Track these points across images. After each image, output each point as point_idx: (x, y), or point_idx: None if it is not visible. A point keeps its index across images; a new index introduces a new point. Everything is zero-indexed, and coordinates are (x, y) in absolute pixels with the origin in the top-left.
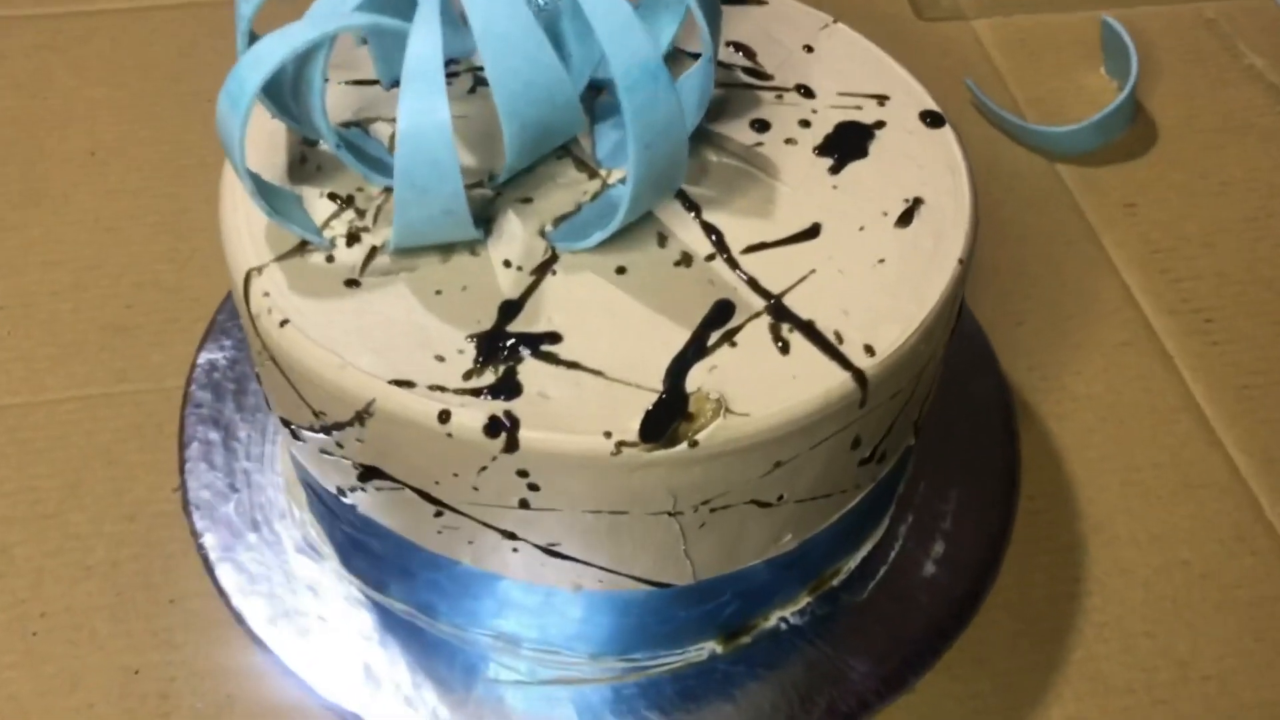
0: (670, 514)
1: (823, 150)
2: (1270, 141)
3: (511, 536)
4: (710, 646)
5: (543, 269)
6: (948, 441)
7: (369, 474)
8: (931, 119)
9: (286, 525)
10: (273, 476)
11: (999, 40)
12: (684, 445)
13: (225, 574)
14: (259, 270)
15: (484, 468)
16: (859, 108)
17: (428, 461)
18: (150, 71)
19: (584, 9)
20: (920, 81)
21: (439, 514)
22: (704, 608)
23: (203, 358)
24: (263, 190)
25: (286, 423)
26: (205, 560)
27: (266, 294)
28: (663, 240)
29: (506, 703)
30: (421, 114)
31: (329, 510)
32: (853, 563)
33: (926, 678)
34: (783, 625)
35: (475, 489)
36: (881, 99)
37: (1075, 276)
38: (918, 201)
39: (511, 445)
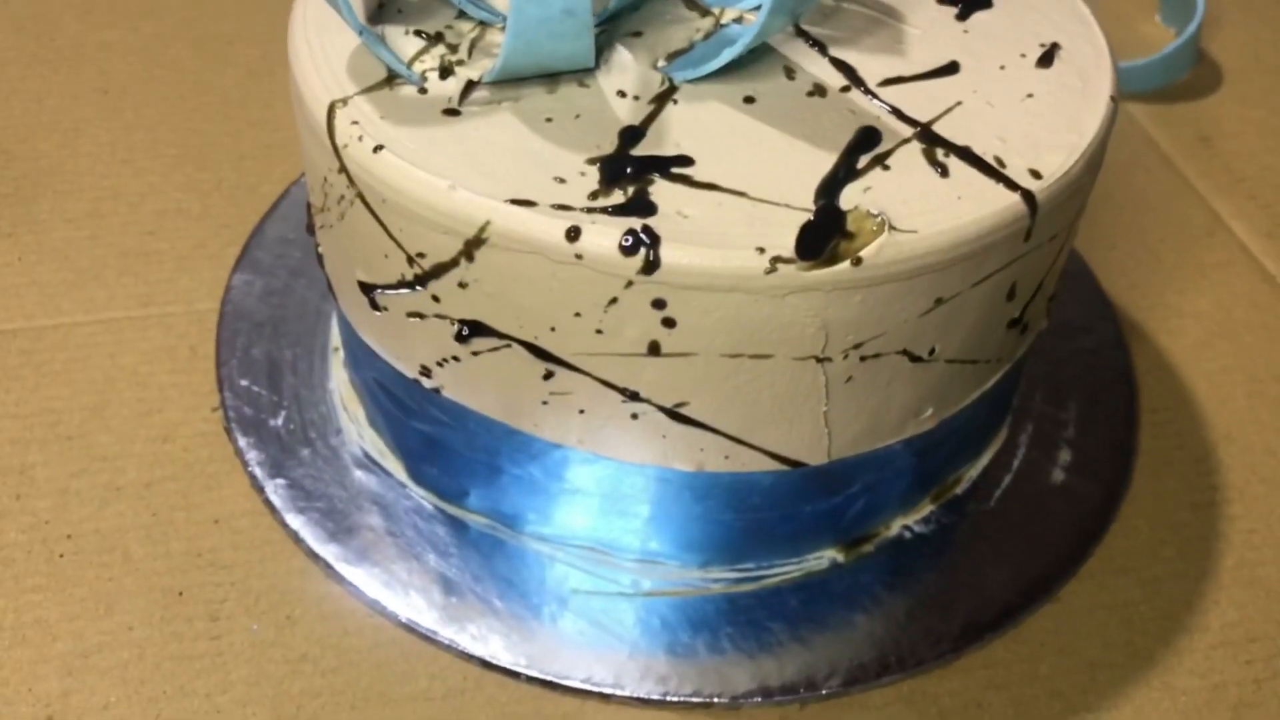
0: (818, 359)
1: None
2: None
3: (634, 398)
4: (830, 555)
5: (662, 99)
6: (1059, 354)
7: (470, 331)
8: None
9: (343, 440)
10: (323, 393)
11: None
12: (846, 264)
13: (276, 491)
14: (343, 102)
15: (614, 300)
16: None
17: (545, 301)
18: (162, 16)
19: None
20: None
21: (549, 375)
22: (831, 501)
23: (238, 279)
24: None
25: (368, 288)
26: (253, 478)
27: (355, 122)
28: (790, 74)
29: (604, 619)
30: None
31: (401, 410)
32: (974, 471)
33: (1070, 586)
34: (907, 534)
35: (599, 332)
36: None
37: (1162, 204)
38: (1055, 46)
39: (652, 265)
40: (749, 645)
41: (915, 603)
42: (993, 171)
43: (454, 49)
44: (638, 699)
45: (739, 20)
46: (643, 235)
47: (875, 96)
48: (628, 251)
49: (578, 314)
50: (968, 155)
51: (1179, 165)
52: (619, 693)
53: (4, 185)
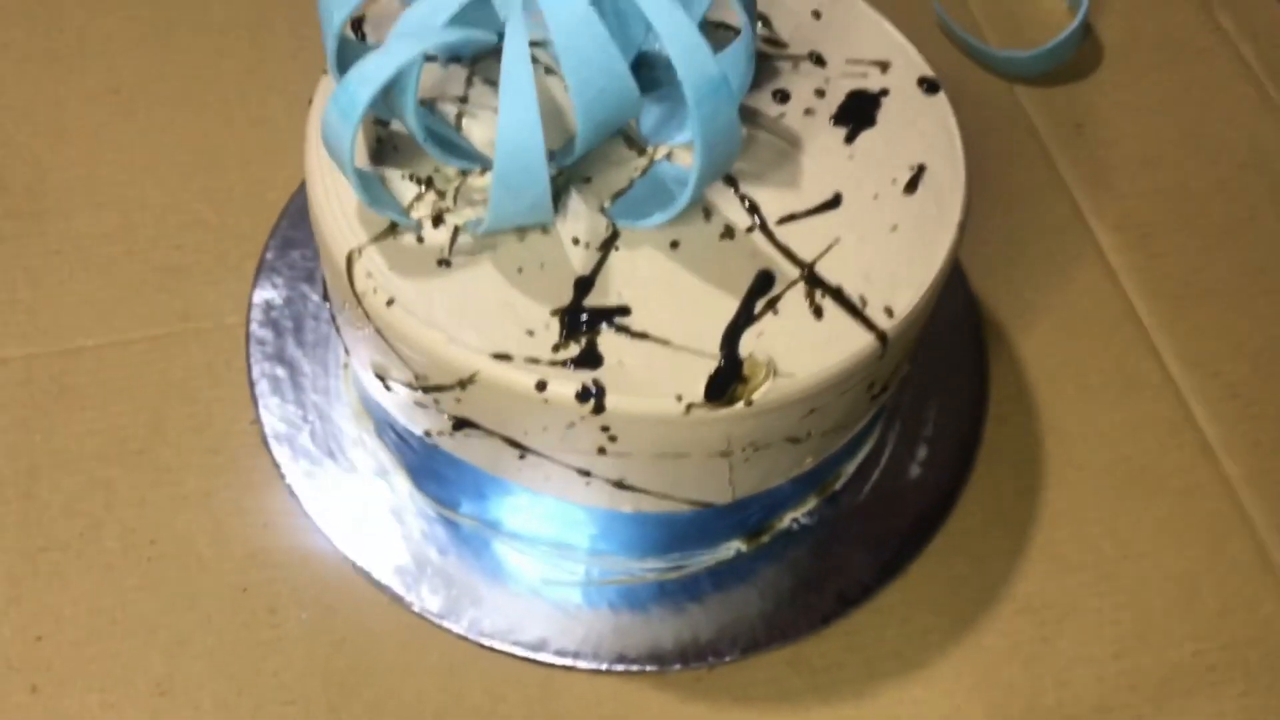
0: (723, 454)
1: (838, 120)
2: (1204, 59)
3: (586, 474)
4: (737, 545)
5: (607, 245)
6: (928, 355)
7: (462, 424)
8: (929, 86)
9: (360, 453)
10: (340, 407)
11: None
12: (741, 404)
13: (310, 499)
14: (359, 252)
15: (571, 424)
16: (865, 75)
17: (520, 418)
18: (157, 2)
19: (657, 30)
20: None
21: (523, 456)
22: (736, 518)
23: (258, 296)
24: (363, 182)
25: (381, 376)
26: (290, 489)
27: (369, 275)
28: (708, 214)
29: (568, 602)
30: (519, 128)
31: (405, 443)
32: (852, 467)
33: (916, 564)
34: (794, 525)
35: (561, 439)
36: (884, 65)
37: (1031, 196)
38: (921, 168)
39: (599, 409)
40: (673, 621)
41: (798, 583)
42: (856, 313)
43: (442, 195)
44: (591, 670)
45: (669, 156)
46: (592, 387)
47: (772, 237)
48: (581, 399)
49: (545, 428)
50: (839, 296)
51: (1053, 155)
52: (578, 664)
53: (46, 199)
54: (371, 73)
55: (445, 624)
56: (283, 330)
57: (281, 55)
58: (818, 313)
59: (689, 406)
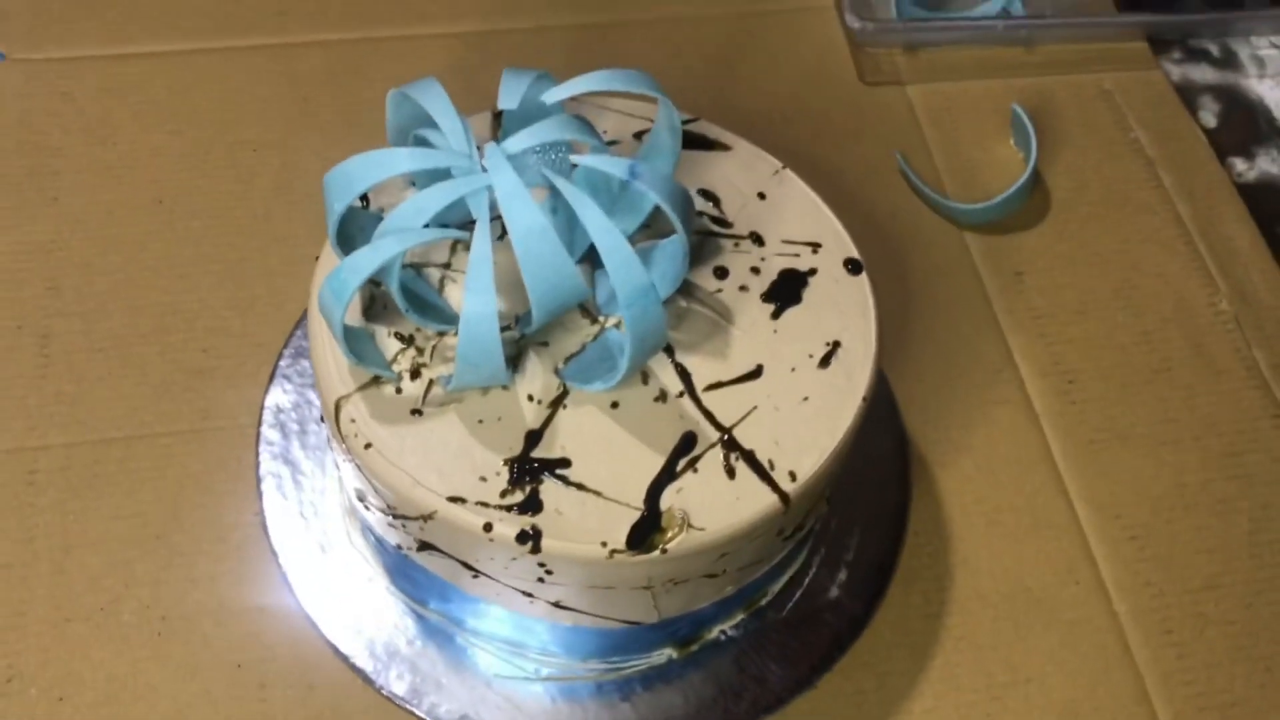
0: (645, 588)
1: (767, 296)
2: (1142, 214)
3: (529, 595)
4: (669, 653)
5: (556, 403)
6: (857, 487)
7: (425, 546)
8: (853, 266)
9: (347, 549)
10: (333, 506)
11: (927, 107)
12: (657, 552)
13: (301, 587)
14: (346, 399)
15: (514, 558)
16: (797, 255)
17: (471, 549)
18: (199, 118)
19: (597, 245)
20: (841, 228)
21: (475, 576)
22: (667, 631)
23: (269, 400)
24: (351, 340)
25: (360, 499)
26: (284, 576)
27: (353, 420)
28: (645, 379)
29: (516, 693)
30: (479, 320)
31: (383, 548)
32: (777, 586)
33: (827, 678)
34: (722, 636)
35: (505, 568)
36: (815, 246)
37: (969, 338)
38: (836, 345)
39: (536, 549)
40: (607, 716)
41: (719, 690)
42: (764, 474)
43: (421, 351)
44: None
45: (618, 325)
46: (530, 532)
47: (699, 403)
48: (520, 540)
49: (492, 558)
50: (751, 459)
51: (992, 300)
52: None
53: (91, 300)
54: (360, 265)
55: (409, 706)
56: (288, 433)
57: (308, 175)
58: (730, 473)
59: (612, 552)
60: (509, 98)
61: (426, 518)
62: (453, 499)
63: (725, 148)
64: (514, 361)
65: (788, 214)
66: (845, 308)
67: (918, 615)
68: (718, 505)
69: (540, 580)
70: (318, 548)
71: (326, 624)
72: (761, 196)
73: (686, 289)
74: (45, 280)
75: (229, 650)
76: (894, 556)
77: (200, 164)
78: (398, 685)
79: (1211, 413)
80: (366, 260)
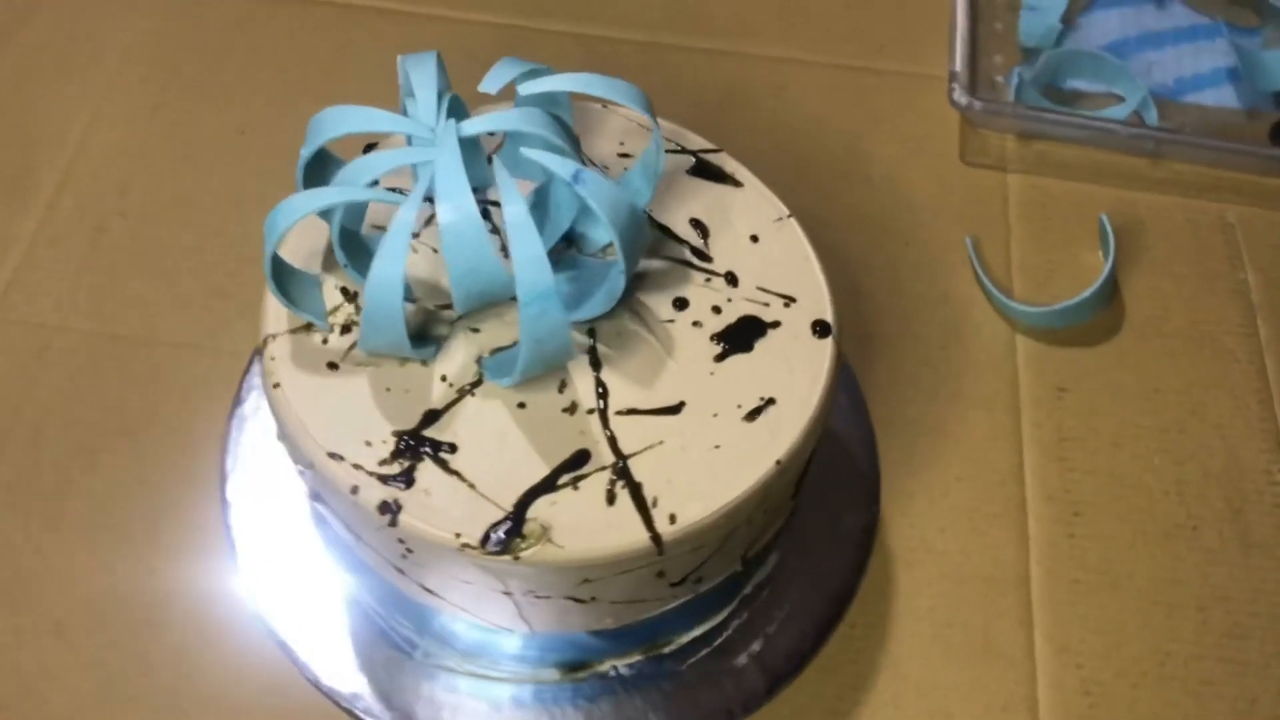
0: (504, 593)
1: (718, 338)
2: (1223, 360)
3: (400, 570)
4: (553, 674)
5: (465, 390)
6: (804, 558)
7: (316, 496)
8: (821, 329)
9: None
10: None
11: (1023, 199)
12: (508, 557)
13: (237, 524)
14: (275, 337)
15: (378, 528)
16: (767, 305)
17: (345, 510)
18: (307, 66)
19: (509, 239)
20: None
21: (357, 539)
22: (546, 651)
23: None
24: (285, 277)
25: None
26: (225, 505)
27: (273, 358)
28: (562, 386)
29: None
30: (384, 279)
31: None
32: (687, 637)
33: None
34: (612, 672)
35: (374, 537)
36: (789, 300)
37: (983, 443)
38: (770, 402)
39: (393, 523)
40: None
41: None
42: (643, 510)
43: (359, 310)
44: None
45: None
46: (392, 505)
47: (607, 423)
48: (380, 510)
49: (363, 524)
50: (635, 492)
51: (1023, 410)
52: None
53: (151, 207)
54: (295, 206)
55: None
56: None
57: None
58: (610, 499)
59: (463, 545)
60: (492, 82)
61: (307, 467)
62: (332, 455)
63: (736, 183)
64: (441, 341)
65: (774, 262)
66: (796, 367)
67: (824, 710)
68: (585, 528)
69: (403, 557)
70: (262, 481)
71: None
72: (754, 239)
73: (636, 310)
74: (120, 180)
75: (149, 559)
76: (819, 642)
77: (290, 106)
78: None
79: (1227, 586)
80: (301, 203)
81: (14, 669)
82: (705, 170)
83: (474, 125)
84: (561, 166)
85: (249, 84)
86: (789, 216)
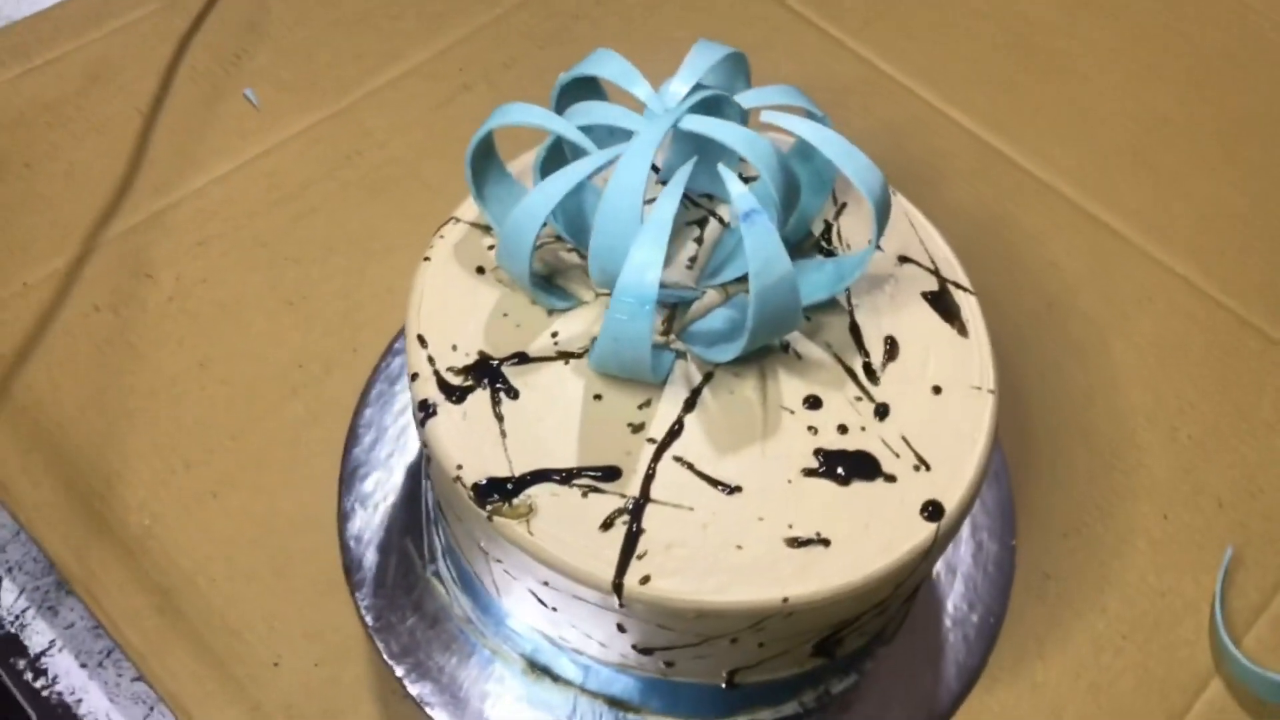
0: (481, 549)
1: (824, 456)
2: None
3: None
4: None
5: (563, 355)
6: None
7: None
8: (931, 512)
9: None
10: None
11: None
12: (483, 510)
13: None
14: (456, 221)
15: (413, 423)
16: (898, 456)
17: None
18: None
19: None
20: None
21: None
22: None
23: None
24: (486, 168)
25: None
26: None
27: (441, 237)
28: (646, 404)
29: None
30: (528, 205)
31: None
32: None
33: None
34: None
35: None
36: (923, 466)
37: None
38: (823, 542)
39: (421, 422)
40: None
41: None
42: (626, 554)
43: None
44: None
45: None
46: (431, 407)
47: (656, 460)
48: (420, 406)
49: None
50: (631, 534)
51: None
52: None
53: (368, 171)
54: (526, 111)
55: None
56: None
57: None
58: (606, 525)
59: (457, 478)
60: (691, 71)
61: (404, 335)
62: (420, 337)
63: (963, 332)
64: (575, 301)
65: (939, 424)
66: (874, 529)
67: None
68: (564, 534)
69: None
70: None
71: None
72: (937, 391)
73: (765, 382)
74: (347, 149)
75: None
76: None
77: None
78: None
79: None
80: (530, 112)
81: None
82: (941, 303)
83: (693, 121)
84: (741, 197)
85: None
86: (990, 392)
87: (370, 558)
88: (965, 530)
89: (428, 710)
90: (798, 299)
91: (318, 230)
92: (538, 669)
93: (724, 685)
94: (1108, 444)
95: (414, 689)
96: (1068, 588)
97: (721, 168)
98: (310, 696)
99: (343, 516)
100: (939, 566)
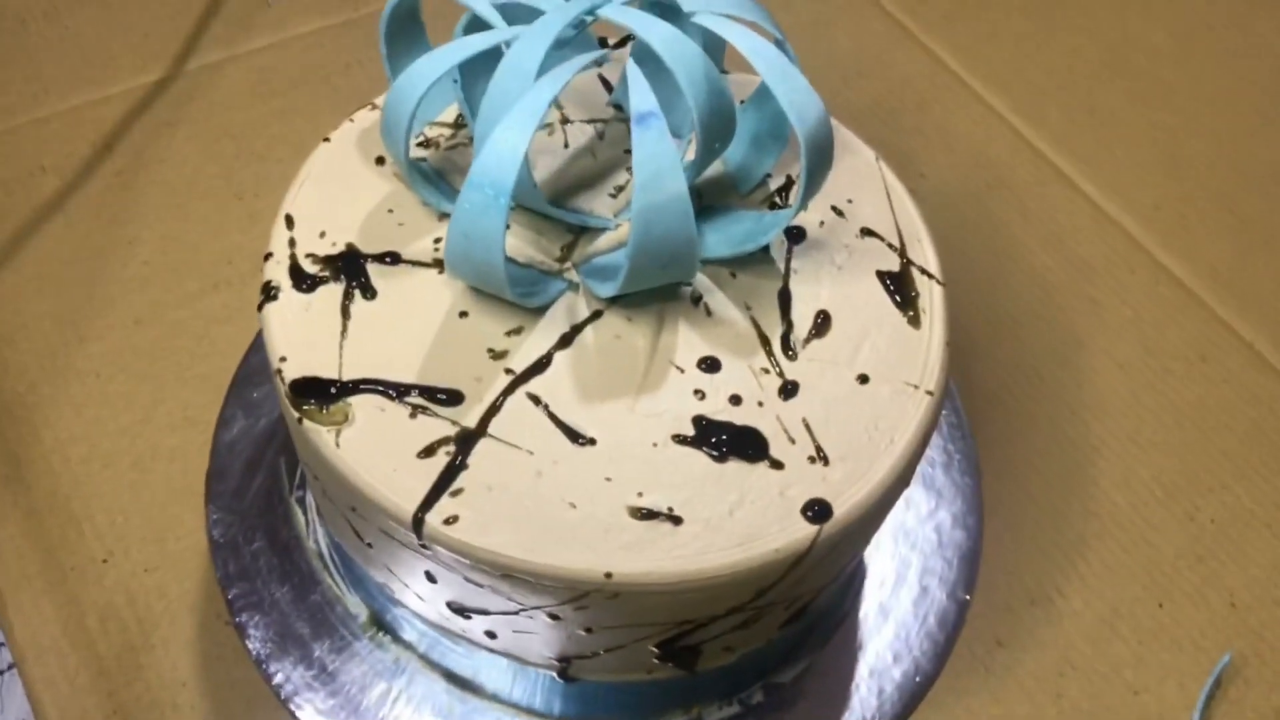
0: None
1: (705, 425)
2: None
3: None
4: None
5: (436, 261)
6: None
7: None
8: (816, 513)
9: None
10: None
11: None
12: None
13: None
14: (374, 106)
15: None
16: (793, 442)
17: None
18: None
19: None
20: None
21: None
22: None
23: None
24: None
25: None
26: None
27: (351, 121)
28: (519, 330)
29: None
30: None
31: None
32: None
33: None
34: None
35: None
36: (821, 458)
37: None
38: (672, 517)
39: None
40: None
41: None
42: (446, 477)
43: (453, 135)
44: None
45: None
46: (274, 288)
47: (507, 395)
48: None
49: None
50: (453, 464)
51: None
52: None
53: None
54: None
55: None
56: None
57: None
58: (429, 452)
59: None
60: None
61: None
62: (288, 217)
63: (915, 323)
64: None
65: (854, 418)
66: (739, 515)
67: None
68: (378, 439)
69: None
70: None
71: None
72: (863, 380)
73: (661, 327)
74: (349, 59)
75: None
76: None
77: None
78: None
79: None
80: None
81: None
82: (898, 285)
83: (611, 10)
84: (642, 98)
85: None
86: (929, 394)
87: (236, 469)
88: (911, 571)
89: (247, 643)
90: (691, 230)
91: (293, 132)
92: (380, 624)
93: (556, 676)
94: (1110, 510)
95: (239, 617)
96: (1021, 662)
97: (630, 64)
98: (130, 602)
99: (221, 422)
100: (869, 606)
